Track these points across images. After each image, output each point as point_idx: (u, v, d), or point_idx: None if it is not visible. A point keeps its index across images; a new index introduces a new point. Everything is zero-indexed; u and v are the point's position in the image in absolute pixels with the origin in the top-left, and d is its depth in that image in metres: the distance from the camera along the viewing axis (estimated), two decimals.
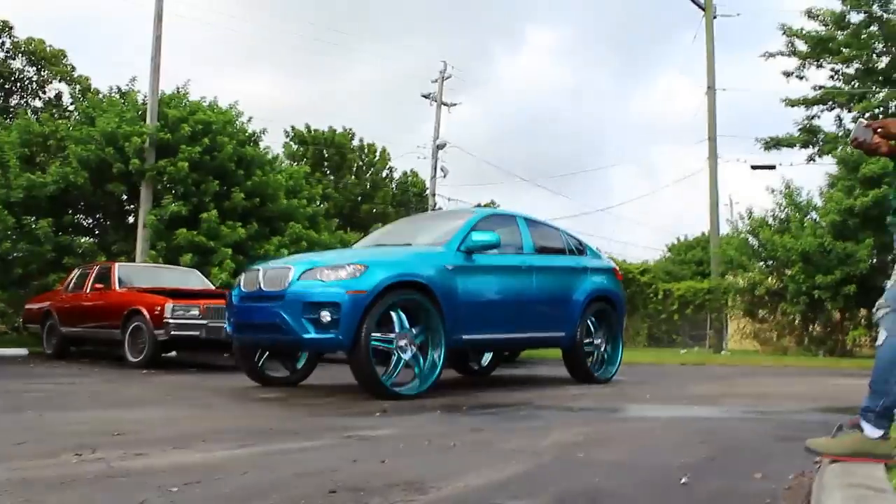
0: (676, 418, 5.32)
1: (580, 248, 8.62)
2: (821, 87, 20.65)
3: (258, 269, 6.58)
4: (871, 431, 2.83)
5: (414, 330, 6.28)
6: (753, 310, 20.07)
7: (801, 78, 21.11)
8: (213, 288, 11.89)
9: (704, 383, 8.82)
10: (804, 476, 3.03)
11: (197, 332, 9.50)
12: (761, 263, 19.65)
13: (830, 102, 20.81)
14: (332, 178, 27.77)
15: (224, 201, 15.26)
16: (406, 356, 6.19)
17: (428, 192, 27.52)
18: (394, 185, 29.43)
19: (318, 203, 19.39)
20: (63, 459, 3.24)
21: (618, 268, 9.31)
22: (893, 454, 2.92)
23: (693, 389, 7.85)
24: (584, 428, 4.51)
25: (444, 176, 26.54)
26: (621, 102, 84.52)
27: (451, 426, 4.56)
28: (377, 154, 29.19)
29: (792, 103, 20.82)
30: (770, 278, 19.30)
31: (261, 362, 7.34)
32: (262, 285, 6.37)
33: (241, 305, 6.64)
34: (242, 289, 6.66)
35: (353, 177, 28.04)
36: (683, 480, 2.94)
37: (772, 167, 20.92)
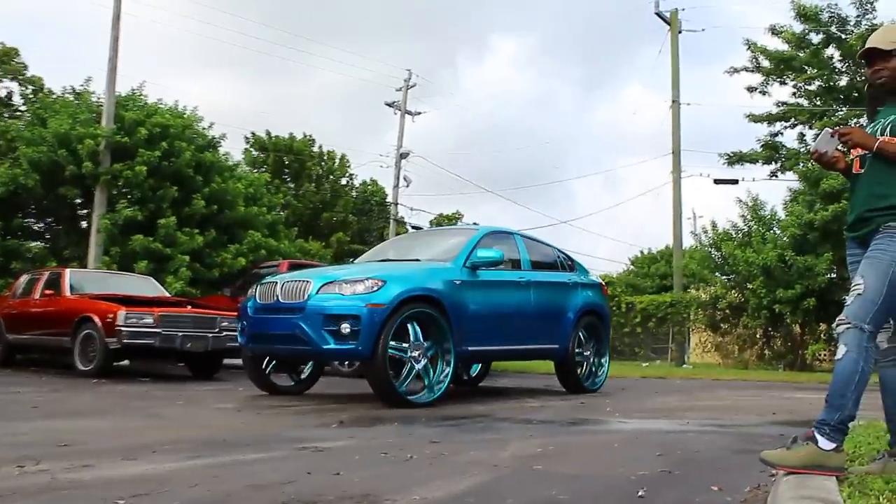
0: (635, 431, 5.33)
1: (571, 265, 9.07)
2: (784, 104, 20.98)
3: (275, 282, 6.75)
4: (825, 444, 2.86)
5: (425, 342, 6.49)
6: (715, 323, 20.27)
7: (765, 94, 21.40)
8: (169, 296, 11.65)
9: (665, 396, 8.90)
10: (759, 489, 3.05)
11: (151, 341, 9.29)
12: (723, 277, 19.89)
13: (793, 119, 21.16)
14: (291, 185, 27.51)
15: (182, 208, 15.00)
16: (419, 366, 6.42)
17: (390, 201, 27.38)
18: (353, 194, 29.21)
19: (277, 211, 19.19)
20: (4, 472, 3.11)
21: (604, 283, 9.75)
22: (845, 467, 2.95)
23: (653, 402, 7.90)
24: (543, 440, 4.49)
25: (407, 185, 26.40)
26: (586, 114, 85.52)
27: (409, 438, 4.50)
28: (336, 161, 28.99)
29: (755, 119, 21.13)
30: (732, 292, 19.54)
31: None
32: (279, 297, 6.54)
33: (257, 317, 6.81)
34: (258, 300, 6.80)
35: (312, 185, 27.73)
36: (640, 493, 2.94)
37: (734, 182, 21.18)
